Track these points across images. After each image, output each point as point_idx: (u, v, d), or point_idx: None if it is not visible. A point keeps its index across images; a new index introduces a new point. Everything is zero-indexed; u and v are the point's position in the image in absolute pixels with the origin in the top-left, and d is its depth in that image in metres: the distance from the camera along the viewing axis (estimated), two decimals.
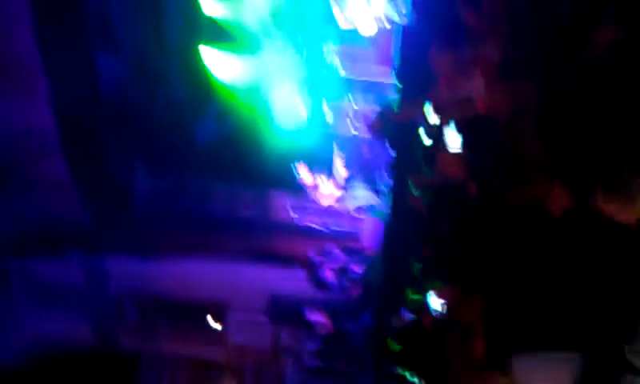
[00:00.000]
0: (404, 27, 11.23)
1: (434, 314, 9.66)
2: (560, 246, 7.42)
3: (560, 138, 7.31)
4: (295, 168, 14.14)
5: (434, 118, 9.11)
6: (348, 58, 14.12)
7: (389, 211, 12.31)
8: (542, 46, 7.64)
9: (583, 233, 7.25)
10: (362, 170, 14.13)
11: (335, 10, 13.44)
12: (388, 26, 13.33)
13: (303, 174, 14.12)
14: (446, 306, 9.39)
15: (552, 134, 7.38)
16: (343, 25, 13.53)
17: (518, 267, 7.80)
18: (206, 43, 14.53)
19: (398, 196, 11.46)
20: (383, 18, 13.15)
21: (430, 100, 9.14)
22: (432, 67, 9.02)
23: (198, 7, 14.48)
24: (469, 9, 8.50)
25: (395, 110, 11.40)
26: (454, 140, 8.36)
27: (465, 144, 8.24)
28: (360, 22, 13.30)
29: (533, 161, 7.51)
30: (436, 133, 9.03)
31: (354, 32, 13.66)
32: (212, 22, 14.58)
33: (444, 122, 8.69)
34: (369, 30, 13.31)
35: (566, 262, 7.39)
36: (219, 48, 14.54)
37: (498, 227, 7.96)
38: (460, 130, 8.30)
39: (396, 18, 12.66)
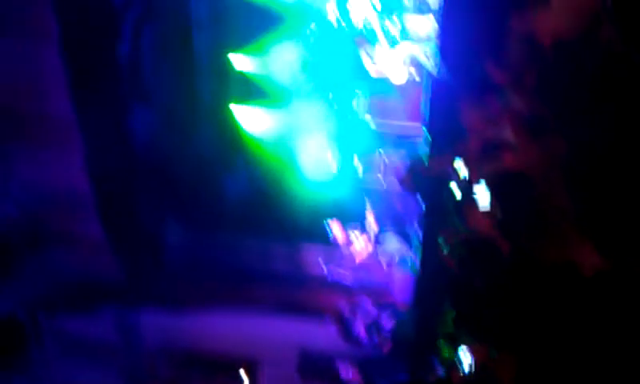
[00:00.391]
0: (434, 79, 11.31)
1: (465, 371, 9.59)
2: (595, 304, 7.37)
3: (591, 196, 7.30)
4: (327, 225, 14.19)
5: (464, 172, 9.13)
6: (378, 110, 14.24)
7: (420, 264, 12.29)
8: (570, 100, 7.68)
9: (618, 291, 7.21)
10: (393, 222, 14.15)
11: (365, 59, 13.59)
12: (417, 79, 13.48)
13: (336, 231, 14.17)
14: (477, 364, 9.34)
15: (583, 191, 7.38)
16: (373, 74, 13.66)
17: (551, 325, 7.75)
18: (237, 97, 14.78)
19: (429, 249, 11.46)
20: (413, 70, 13.29)
21: (460, 154, 9.17)
22: (462, 121, 9.09)
23: (228, 61, 14.76)
24: (495, 64, 8.58)
25: (425, 163, 11.45)
26: (483, 196, 8.37)
27: (495, 200, 8.25)
28: (390, 71, 13.43)
29: (563, 219, 7.50)
30: (466, 187, 9.05)
31: (385, 84, 13.79)
32: (242, 75, 14.82)
33: (474, 176, 8.71)
34: (399, 78, 13.42)
35: (601, 321, 7.33)
36: (249, 102, 14.75)
37: (531, 284, 7.94)
38: (490, 185, 8.32)
39: (427, 67, 12.77)
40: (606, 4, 7.20)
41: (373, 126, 14.27)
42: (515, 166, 8.06)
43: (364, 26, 13.56)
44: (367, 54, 13.52)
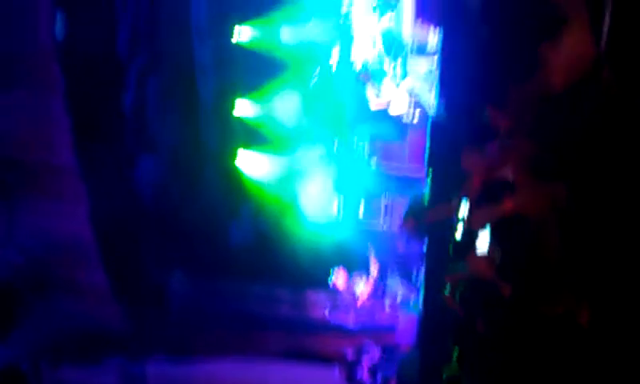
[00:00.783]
0: (434, 121, 11.54)
1: None
2: (592, 352, 7.42)
3: (586, 244, 7.39)
4: (331, 275, 14.36)
5: (464, 213, 9.28)
6: (382, 153, 14.52)
7: (423, 306, 12.38)
8: (570, 144, 7.82)
9: (612, 342, 7.27)
10: (396, 263, 14.31)
11: (369, 94, 13.87)
12: (416, 120, 13.75)
13: (338, 280, 14.34)
14: None
15: (578, 238, 7.47)
16: (376, 108, 13.91)
17: (555, 374, 7.78)
18: (241, 143, 15.05)
19: (432, 290, 11.56)
20: (416, 111, 13.59)
21: (461, 196, 9.32)
22: (463, 163, 9.25)
23: (232, 108, 15.08)
24: (494, 107, 8.83)
25: (427, 204, 11.65)
26: (483, 238, 8.50)
27: (494, 243, 8.36)
28: (393, 104, 13.71)
29: (557, 267, 7.58)
30: (467, 229, 9.19)
31: (388, 127, 14.08)
32: (247, 121, 15.12)
33: (474, 218, 8.85)
34: (400, 111, 13.69)
35: (599, 367, 7.37)
36: (254, 148, 15.06)
37: (530, 329, 7.97)
38: (490, 228, 8.45)
39: (427, 103, 13.08)
40: (601, 48, 7.46)
41: (376, 169, 14.55)
42: (515, 209, 8.18)
43: (367, 65, 13.93)
44: (371, 88, 13.84)
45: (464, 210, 9.19)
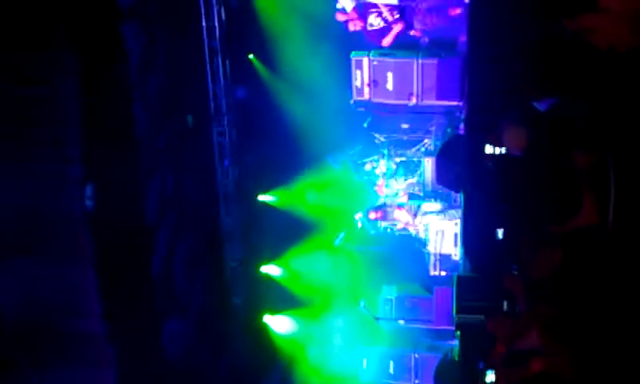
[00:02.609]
0: (460, 279, 12.38)
1: None
2: None
3: None
4: None
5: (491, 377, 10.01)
6: (408, 309, 15.39)
7: None
8: (589, 306, 8.58)
9: None
10: None
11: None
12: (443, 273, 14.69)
13: None
14: None
15: None
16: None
17: None
18: (268, 306, 15.97)
19: None
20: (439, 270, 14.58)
21: (488, 360, 10.05)
22: (488, 330, 10.02)
23: (258, 271, 16.16)
24: (511, 276, 9.68)
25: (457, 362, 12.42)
26: None
27: None
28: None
29: None
30: None
31: (414, 284, 15.01)
32: (273, 283, 16.13)
33: (502, 380, 9.56)
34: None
35: None
36: (281, 310, 16.06)
37: None
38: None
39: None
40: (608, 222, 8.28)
41: (403, 325, 15.43)
42: (542, 371, 8.82)
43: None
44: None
45: (491, 375, 9.89)
